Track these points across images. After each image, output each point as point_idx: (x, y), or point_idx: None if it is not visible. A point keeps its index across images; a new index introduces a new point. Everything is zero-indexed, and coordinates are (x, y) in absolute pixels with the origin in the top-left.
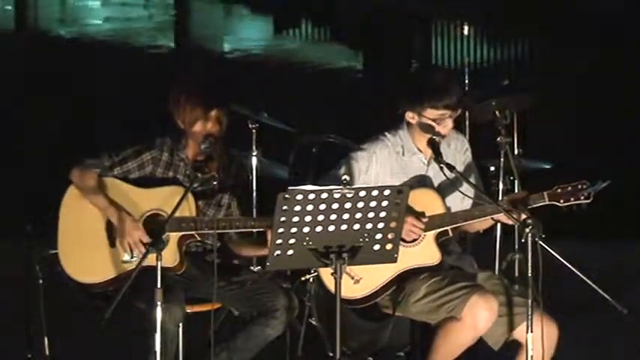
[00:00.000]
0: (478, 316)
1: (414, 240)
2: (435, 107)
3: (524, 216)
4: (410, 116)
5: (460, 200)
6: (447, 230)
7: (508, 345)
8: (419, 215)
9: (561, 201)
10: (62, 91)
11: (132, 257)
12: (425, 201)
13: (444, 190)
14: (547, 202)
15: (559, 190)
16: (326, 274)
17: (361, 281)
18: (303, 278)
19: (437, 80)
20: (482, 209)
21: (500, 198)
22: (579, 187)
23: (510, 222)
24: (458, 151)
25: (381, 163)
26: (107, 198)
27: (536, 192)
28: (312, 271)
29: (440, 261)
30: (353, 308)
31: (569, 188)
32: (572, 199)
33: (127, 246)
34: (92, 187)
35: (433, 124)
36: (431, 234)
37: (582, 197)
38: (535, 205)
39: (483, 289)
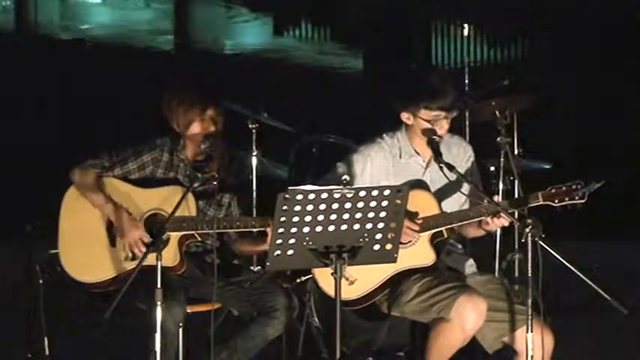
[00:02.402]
0: (465, 317)
1: (409, 241)
2: (428, 108)
3: (522, 216)
4: (405, 117)
5: (459, 203)
6: (442, 232)
7: (505, 347)
8: (412, 216)
9: (556, 201)
10: (62, 91)
11: (132, 258)
12: (419, 202)
13: (441, 192)
14: (541, 202)
15: (553, 191)
16: (321, 276)
17: (356, 282)
18: (298, 280)
19: (431, 81)
20: (478, 210)
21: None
22: (573, 187)
23: (507, 222)
24: (460, 158)
25: (377, 166)
26: (107, 197)
27: (535, 193)
28: (309, 273)
29: (434, 262)
30: (349, 309)
31: (564, 188)
32: (566, 199)
33: (127, 245)
34: (92, 186)
35: (428, 124)
36: (426, 235)
37: (577, 197)
38: (530, 205)
39: (472, 289)
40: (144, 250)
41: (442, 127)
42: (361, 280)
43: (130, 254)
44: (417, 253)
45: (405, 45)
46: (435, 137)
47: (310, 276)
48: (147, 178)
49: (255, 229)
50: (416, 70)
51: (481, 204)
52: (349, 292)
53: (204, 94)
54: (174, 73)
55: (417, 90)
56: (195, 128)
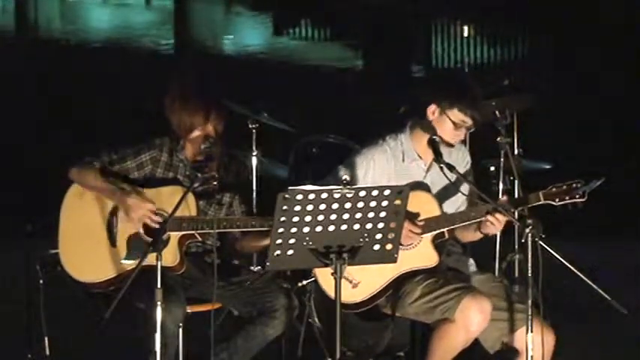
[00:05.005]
0: (470, 318)
1: (411, 243)
2: (462, 111)
3: (522, 216)
4: (432, 109)
5: (458, 205)
6: (443, 232)
7: (505, 347)
8: (414, 217)
9: (556, 200)
10: (62, 91)
11: (132, 258)
12: (420, 204)
13: (441, 195)
14: (542, 202)
15: (554, 190)
16: (323, 278)
17: (359, 285)
18: (300, 284)
19: (474, 89)
20: (479, 210)
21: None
22: (574, 185)
23: (507, 219)
24: (459, 162)
25: (379, 169)
26: (110, 183)
27: (536, 192)
28: (310, 276)
29: (438, 263)
30: (352, 312)
31: (564, 187)
32: (567, 197)
33: (136, 221)
34: (93, 178)
35: (450, 124)
36: (428, 236)
37: (577, 196)
38: (531, 205)
39: (477, 290)
40: (157, 219)
41: (459, 136)
42: (365, 282)
43: (132, 254)
44: (420, 254)
45: (405, 45)
46: (435, 137)
47: (311, 279)
48: (147, 178)
49: (255, 229)
50: (456, 70)
51: (481, 204)
52: (353, 296)
53: (208, 99)
54: (175, 74)
55: (460, 89)
56: (198, 132)
